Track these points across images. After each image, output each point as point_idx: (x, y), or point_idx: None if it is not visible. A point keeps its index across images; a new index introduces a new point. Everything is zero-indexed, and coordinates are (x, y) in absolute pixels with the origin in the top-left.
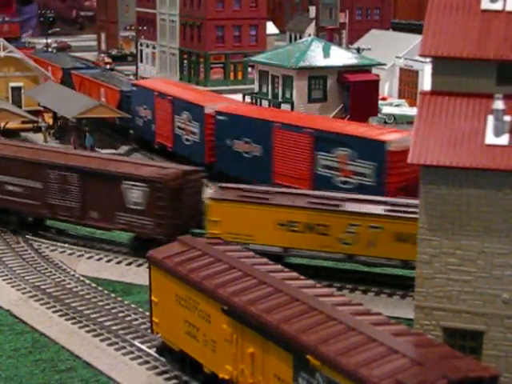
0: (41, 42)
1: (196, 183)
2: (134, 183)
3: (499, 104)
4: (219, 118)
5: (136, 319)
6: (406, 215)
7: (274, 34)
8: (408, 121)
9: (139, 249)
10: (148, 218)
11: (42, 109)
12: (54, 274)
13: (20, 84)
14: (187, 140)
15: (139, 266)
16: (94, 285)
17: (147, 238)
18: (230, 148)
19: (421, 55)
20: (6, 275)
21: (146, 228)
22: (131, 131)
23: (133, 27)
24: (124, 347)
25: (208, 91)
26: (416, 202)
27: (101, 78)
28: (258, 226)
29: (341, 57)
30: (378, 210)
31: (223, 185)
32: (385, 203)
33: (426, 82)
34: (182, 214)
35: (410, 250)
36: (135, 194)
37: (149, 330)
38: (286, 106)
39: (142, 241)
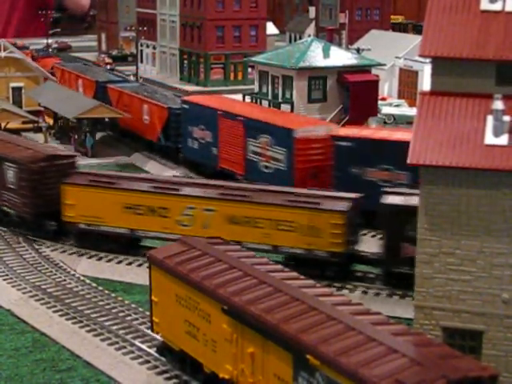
0: (40, 42)
1: (65, 167)
2: (9, 164)
3: (498, 104)
4: (340, 143)
5: (136, 319)
6: (237, 198)
7: (274, 35)
8: (408, 121)
9: (21, 226)
10: (17, 196)
11: (42, 109)
12: (55, 274)
13: (21, 84)
14: (266, 167)
15: (139, 265)
16: (94, 285)
17: (20, 216)
18: (359, 177)
19: (420, 55)
20: (7, 275)
21: (17, 206)
22: (180, 154)
23: (133, 27)
24: (124, 347)
25: (285, 111)
26: (249, 186)
27: (143, 93)
28: (108, 209)
29: (341, 57)
30: (213, 193)
31: (78, 170)
32: (219, 187)
33: (425, 83)
34: (46, 196)
35: (241, 232)
36: (10, 175)
37: (149, 330)
38: (285, 107)
39: (21, 217)
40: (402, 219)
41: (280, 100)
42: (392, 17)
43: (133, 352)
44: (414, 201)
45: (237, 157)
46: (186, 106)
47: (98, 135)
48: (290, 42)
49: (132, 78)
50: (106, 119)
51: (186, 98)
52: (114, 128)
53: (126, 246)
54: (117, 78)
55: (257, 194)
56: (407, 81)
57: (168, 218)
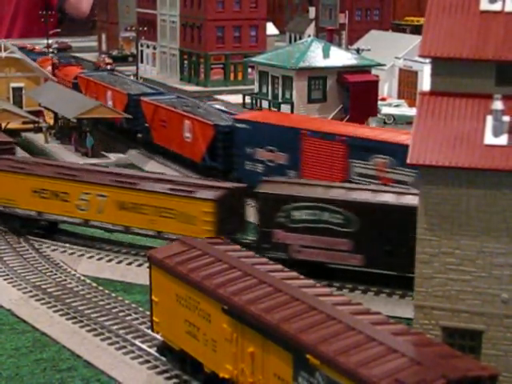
0: (41, 42)
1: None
2: None
3: (498, 104)
4: None
5: (136, 319)
6: (124, 186)
7: (274, 35)
8: (407, 121)
9: None
10: None
11: (42, 109)
12: (55, 274)
13: (21, 84)
14: None
15: (140, 265)
16: (94, 284)
17: None
18: None
19: (420, 56)
20: (7, 275)
21: None
22: (232, 177)
23: (133, 28)
24: (125, 346)
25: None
26: (137, 173)
27: (183, 108)
28: (19, 192)
29: (340, 57)
30: (104, 180)
31: (5, 157)
32: (112, 174)
33: (425, 83)
34: None
35: (130, 218)
36: None
37: (149, 330)
38: (285, 107)
39: None
40: (274, 206)
41: (280, 100)
42: (413, 19)
43: (133, 352)
44: (286, 190)
45: (331, 180)
46: (243, 126)
47: (131, 153)
48: (290, 42)
49: (132, 77)
50: (139, 135)
51: (242, 116)
52: (147, 145)
53: (44, 228)
54: (151, 89)
55: (143, 181)
56: (407, 81)
57: (68, 202)
